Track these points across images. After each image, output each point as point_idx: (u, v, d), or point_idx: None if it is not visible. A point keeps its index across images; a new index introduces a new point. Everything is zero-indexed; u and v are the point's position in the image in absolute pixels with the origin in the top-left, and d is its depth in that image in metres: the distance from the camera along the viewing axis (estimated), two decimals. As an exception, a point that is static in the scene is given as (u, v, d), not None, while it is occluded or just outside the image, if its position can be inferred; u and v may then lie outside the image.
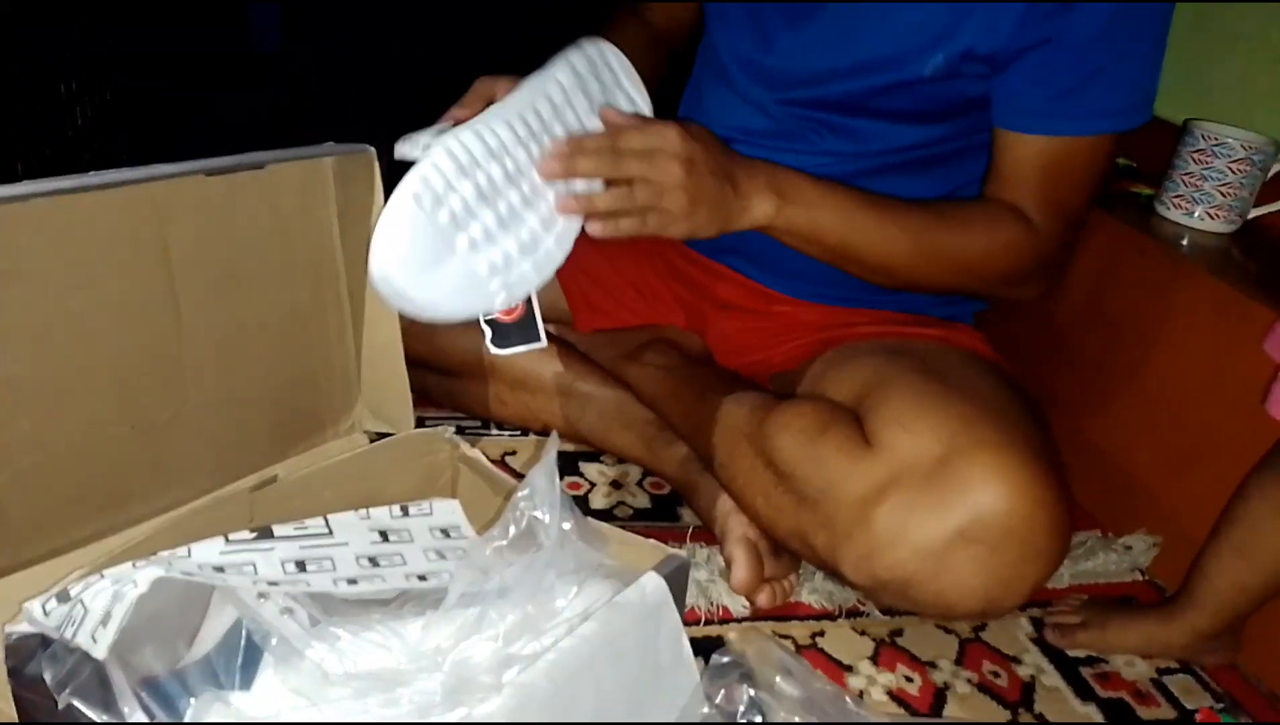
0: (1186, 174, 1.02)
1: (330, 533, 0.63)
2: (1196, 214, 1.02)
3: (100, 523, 0.65)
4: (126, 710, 0.48)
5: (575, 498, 0.82)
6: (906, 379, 0.75)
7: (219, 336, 0.70)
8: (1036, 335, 1.11)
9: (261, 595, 0.55)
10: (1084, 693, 0.78)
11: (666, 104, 1.00)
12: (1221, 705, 0.78)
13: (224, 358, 0.70)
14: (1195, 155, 1.00)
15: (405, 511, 0.67)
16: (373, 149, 0.71)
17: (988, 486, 0.66)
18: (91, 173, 0.56)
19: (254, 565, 0.58)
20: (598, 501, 0.94)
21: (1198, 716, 0.77)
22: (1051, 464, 0.68)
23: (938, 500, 0.67)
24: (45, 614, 0.52)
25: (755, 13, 0.85)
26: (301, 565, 0.60)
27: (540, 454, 0.60)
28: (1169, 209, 1.04)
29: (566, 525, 0.59)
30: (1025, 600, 0.70)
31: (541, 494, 0.58)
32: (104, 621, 0.51)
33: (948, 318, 0.92)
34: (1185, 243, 1.00)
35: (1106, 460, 1.00)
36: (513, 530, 0.58)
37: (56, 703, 0.48)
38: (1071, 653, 0.82)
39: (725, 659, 0.65)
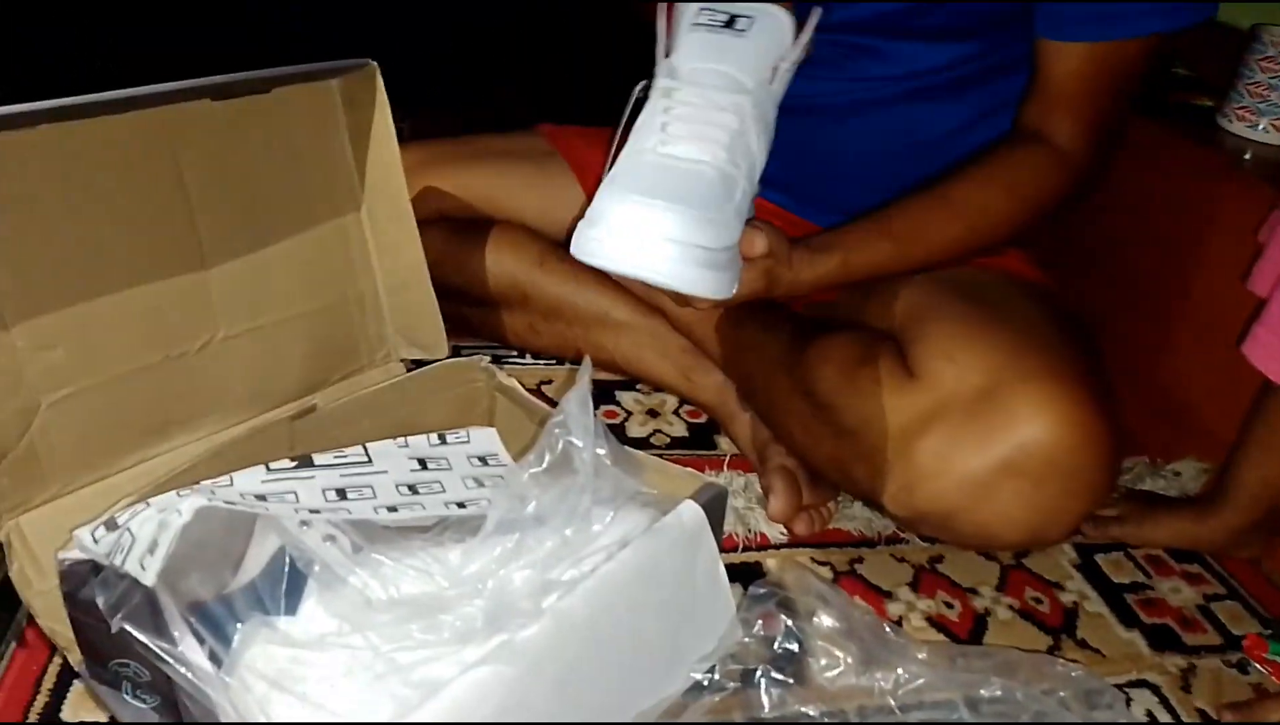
0: (1252, 84, 0.96)
1: (370, 461, 0.64)
2: (1261, 126, 0.97)
3: (142, 452, 0.67)
4: (177, 634, 0.49)
5: (611, 426, 0.81)
6: (950, 307, 0.73)
7: (242, 265, 0.70)
8: (1088, 256, 1.07)
9: (304, 523, 0.56)
10: (1128, 619, 0.78)
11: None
12: (1270, 632, 0.77)
13: (250, 287, 0.70)
14: (1263, 63, 0.95)
15: (443, 439, 0.68)
16: (375, 63, 0.70)
17: (1033, 418, 0.64)
18: (93, 94, 0.55)
19: (295, 493, 0.59)
20: (634, 430, 0.94)
21: (1245, 642, 0.76)
22: (1101, 394, 0.66)
23: (982, 432, 0.65)
24: (95, 542, 0.53)
25: None
26: (342, 493, 0.60)
27: (575, 380, 0.60)
28: (1232, 121, 0.99)
29: (601, 451, 0.58)
30: (1070, 532, 0.69)
31: (576, 419, 0.58)
32: (151, 549, 0.52)
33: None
34: (1249, 157, 0.95)
35: (1157, 385, 0.97)
36: (548, 457, 0.57)
37: (109, 626, 0.49)
38: (1116, 579, 0.81)
39: (763, 588, 0.66)
